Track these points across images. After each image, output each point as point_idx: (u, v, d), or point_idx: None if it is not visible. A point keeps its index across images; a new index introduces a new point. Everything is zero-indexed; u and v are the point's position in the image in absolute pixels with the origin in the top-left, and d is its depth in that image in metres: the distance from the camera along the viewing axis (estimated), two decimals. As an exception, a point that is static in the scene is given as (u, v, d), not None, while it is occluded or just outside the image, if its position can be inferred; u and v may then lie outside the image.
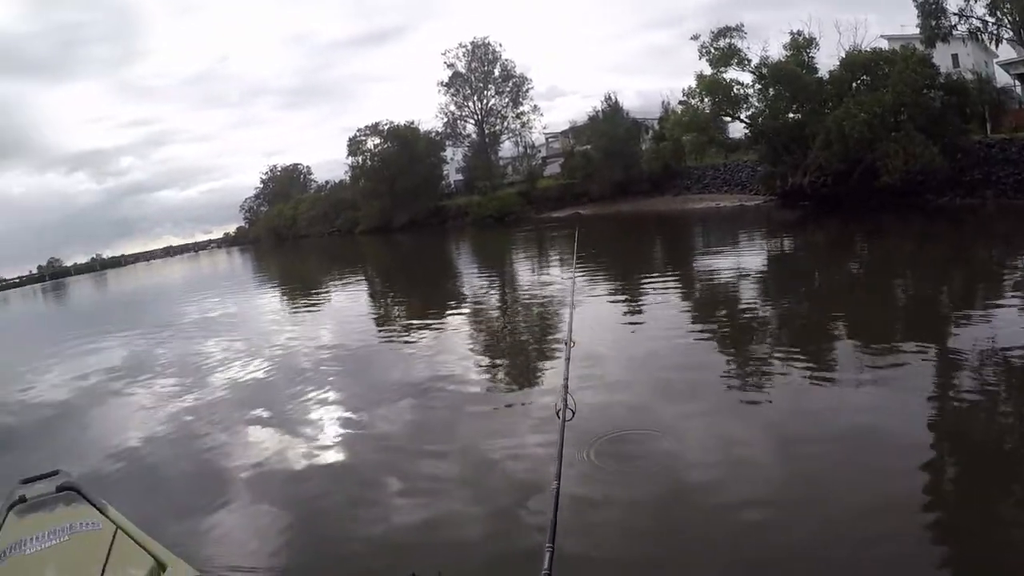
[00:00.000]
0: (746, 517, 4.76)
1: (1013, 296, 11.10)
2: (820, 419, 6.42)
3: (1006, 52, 37.47)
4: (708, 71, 33.07)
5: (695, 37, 33.42)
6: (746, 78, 32.78)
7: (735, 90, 32.57)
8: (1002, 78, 35.85)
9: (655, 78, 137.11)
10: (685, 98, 34.88)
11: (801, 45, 31.00)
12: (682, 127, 34.71)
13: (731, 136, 38.90)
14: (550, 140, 69.22)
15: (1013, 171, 27.23)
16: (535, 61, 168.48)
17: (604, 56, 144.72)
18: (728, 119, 34.30)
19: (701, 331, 10.65)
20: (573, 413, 3.43)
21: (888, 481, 4.99)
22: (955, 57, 33.01)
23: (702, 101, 33.66)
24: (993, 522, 4.49)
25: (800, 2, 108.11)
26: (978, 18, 29.79)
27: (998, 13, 29.20)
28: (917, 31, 31.28)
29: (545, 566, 2.29)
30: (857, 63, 29.50)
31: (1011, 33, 29.48)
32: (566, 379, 3.85)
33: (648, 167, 45.23)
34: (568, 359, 4.28)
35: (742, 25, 32.52)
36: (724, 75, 32.64)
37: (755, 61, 32.05)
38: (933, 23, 29.95)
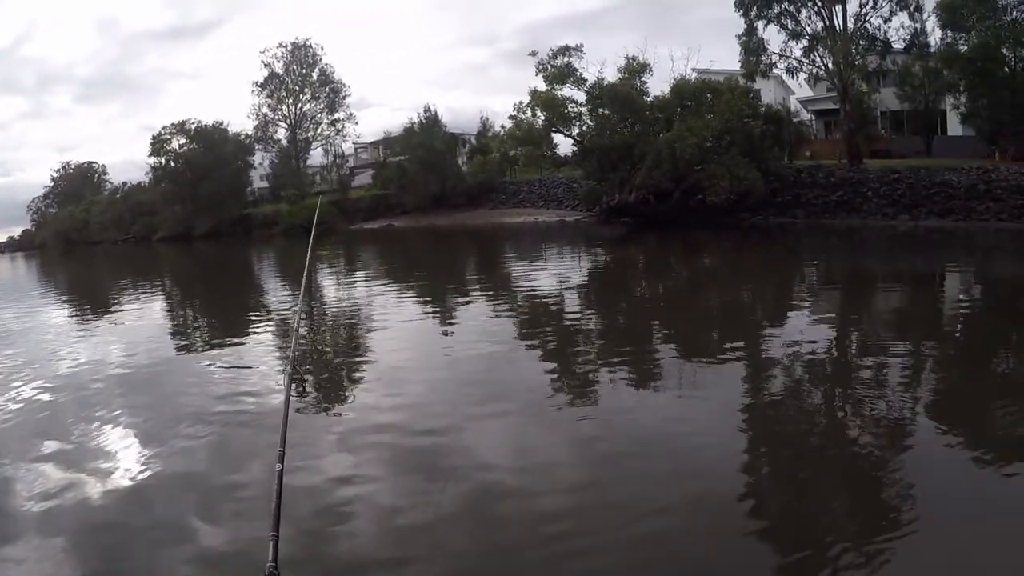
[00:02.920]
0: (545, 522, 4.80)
1: (810, 302, 13.30)
2: (628, 424, 6.69)
3: (802, 90, 41.32)
4: (543, 87, 33.32)
5: (533, 53, 33.76)
6: (579, 96, 33.30)
7: (569, 107, 32.95)
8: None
9: (465, 94, 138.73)
10: (515, 112, 34.90)
11: (635, 70, 31.98)
12: (515, 140, 34.68)
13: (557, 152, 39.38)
14: (359, 150, 67.59)
15: (820, 194, 29.81)
16: (344, 69, 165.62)
17: (415, 69, 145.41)
18: (560, 135, 34.58)
19: (519, 343, 10.73)
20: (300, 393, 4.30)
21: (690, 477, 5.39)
22: (758, 92, 35.33)
23: (535, 116, 33.75)
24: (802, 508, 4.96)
25: (611, 31, 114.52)
26: (796, 58, 32.83)
27: (813, 55, 32.25)
28: (720, 67, 34.43)
29: (270, 558, 2.16)
30: (686, 90, 30.99)
31: (824, 74, 32.33)
32: (293, 357, 4.45)
33: (473, 179, 44.60)
34: (295, 335, 5.44)
35: (581, 45, 33.16)
36: (559, 92, 32.93)
37: (590, 81, 32.62)
38: (753, 59, 32.56)
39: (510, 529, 4.79)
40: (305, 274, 7.90)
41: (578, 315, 13.09)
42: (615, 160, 32.09)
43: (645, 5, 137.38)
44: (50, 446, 7.18)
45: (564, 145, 37.52)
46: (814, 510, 4.89)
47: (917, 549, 4.16)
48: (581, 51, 33.12)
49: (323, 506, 5.14)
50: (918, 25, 31.08)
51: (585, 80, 32.74)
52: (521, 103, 34.21)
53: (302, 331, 12.76)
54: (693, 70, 34.00)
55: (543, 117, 33.32)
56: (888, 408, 6.66)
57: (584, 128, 33.36)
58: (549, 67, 33.04)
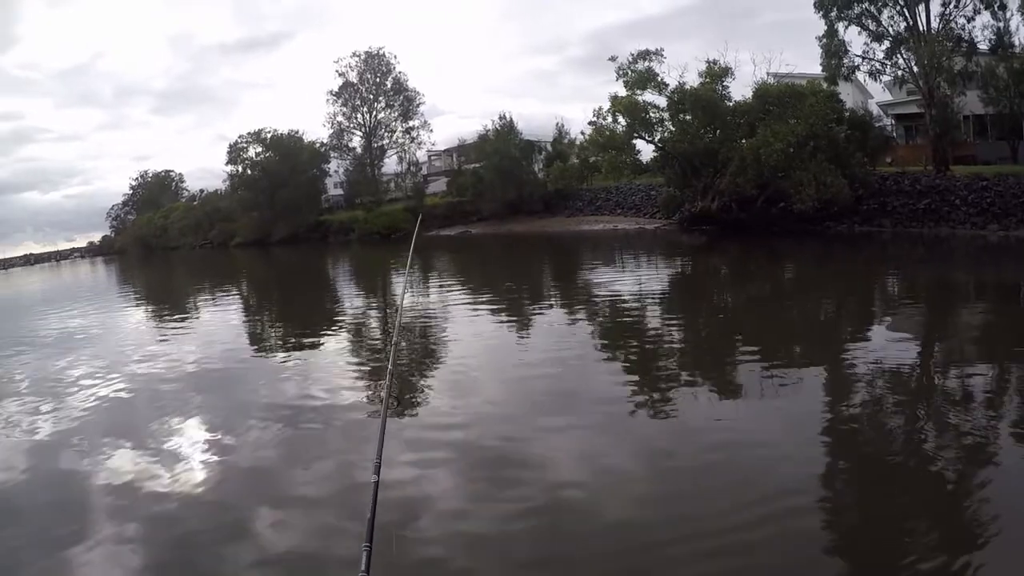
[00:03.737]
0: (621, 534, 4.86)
1: (895, 315, 12.97)
2: (701, 436, 6.74)
3: (881, 94, 40.49)
4: (623, 92, 33.32)
5: (613, 58, 33.60)
6: (659, 102, 33.20)
7: (651, 112, 32.87)
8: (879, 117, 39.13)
9: (533, 102, 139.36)
10: (595, 118, 34.82)
11: (716, 74, 31.75)
12: (597, 146, 34.52)
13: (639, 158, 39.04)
14: (432, 157, 68.12)
15: (907, 202, 29.28)
16: (412, 78, 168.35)
17: (482, 78, 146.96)
18: (643, 140, 34.45)
19: (595, 352, 10.91)
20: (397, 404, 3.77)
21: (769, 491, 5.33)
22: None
23: (615, 122, 33.75)
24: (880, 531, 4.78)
25: (677, 36, 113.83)
26: (878, 61, 32.18)
27: (895, 57, 31.69)
28: (798, 71, 33.65)
29: (363, 567, 2.20)
30: (770, 94, 30.58)
31: (908, 76, 31.58)
32: (391, 372, 4.32)
33: (553, 186, 44.71)
34: (392, 359, 4.89)
35: (661, 50, 32.99)
36: (640, 97, 32.94)
37: (672, 85, 32.48)
38: (834, 62, 31.96)
39: (577, 540, 4.84)
40: (404, 281, 7.84)
41: (657, 324, 13.04)
42: (697, 166, 32.09)
43: (711, 10, 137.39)
44: (126, 443, 7.60)
45: (644, 152, 37.43)
46: (891, 527, 4.80)
47: (998, 568, 4.12)
48: (662, 55, 33.01)
49: (393, 511, 5.17)
50: (1001, 24, 30.40)
51: (666, 85, 32.57)
52: (601, 109, 34.25)
53: (376, 334, 13.05)
54: (768, 73, 33.63)
55: (624, 122, 33.32)
56: (971, 425, 6.48)
57: (665, 134, 33.18)
58: (629, 72, 32.99)
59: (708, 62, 32.22)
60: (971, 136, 37.73)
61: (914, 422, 6.90)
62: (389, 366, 4.84)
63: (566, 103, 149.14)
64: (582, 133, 36.54)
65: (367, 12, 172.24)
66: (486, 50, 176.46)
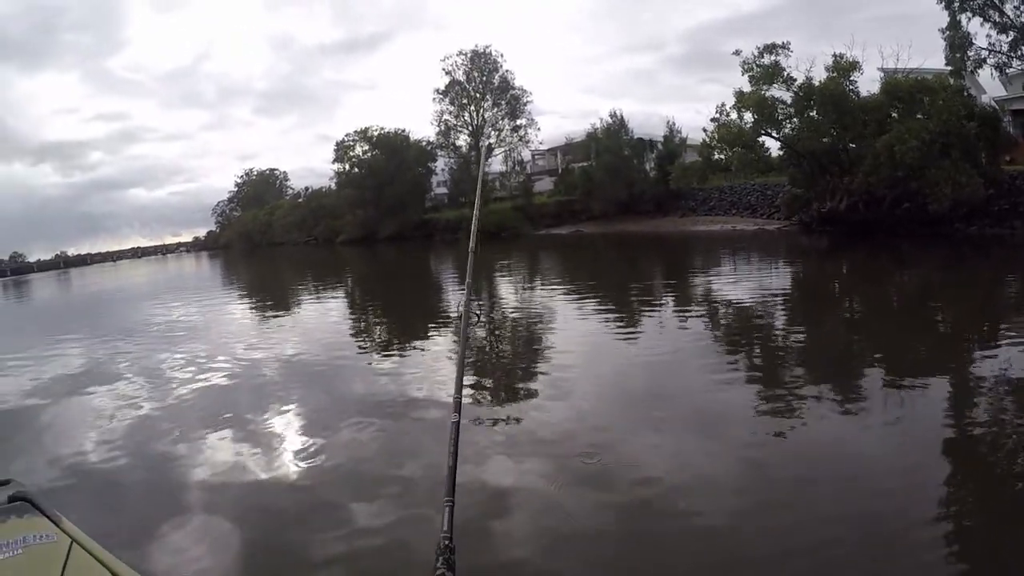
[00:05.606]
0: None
1: None
2: (804, 446, 6.59)
3: (993, 89, 38.96)
4: (748, 88, 33.16)
5: (737, 52, 33.41)
6: (786, 97, 32.90)
7: (778, 109, 32.55)
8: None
9: (631, 102, 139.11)
10: (718, 115, 34.67)
11: (844, 68, 31.27)
12: (726, 143, 34.15)
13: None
14: (536, 157, 68.61)
15: (1040, 203, 28.49)
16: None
17: (580, 78, 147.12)
18: (771, 137, 34.20)
19: (702, 355, 10.65)
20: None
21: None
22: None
23: (741, 118, 33.53)
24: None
25: (776, 33, 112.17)
26: (1005, 54, 31.16)
27: (1020, 49, 30.65)
28: (905, 65, 32.55)
29: (444, 527, 1.82)
30: (902, 88, 29.84)
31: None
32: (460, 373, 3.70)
33: (675, 184, 44.34)
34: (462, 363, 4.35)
35: (788, 43, 32.54)
36: (766, 92, 32.65)
37: (799, 80, 32.15)
38: (959, 55, 31.06)
39: (664, 546, 4.85)
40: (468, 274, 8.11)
41: (779, 330, 12.84)
42: (825, 164, 31.98)
43: (808, 6, 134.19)
44: (223, 432, 8.00)
45: (770, 150, 37.14)
46: (995, 554, 4.58)
47: None
48: (788, 49, 32.54)
49: (481, 508, 5.35)
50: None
51: (793, 79, 32.24)
52: (724, 105, 34.19)
53: (479, 332, 13.12)
54: (879, 69, 32.88)
55: (751, 119, 33.06)
56: None
57: (791, 130, 32.90)
58: (755, 66, 32.75)
59: (835, 56, 31.74)
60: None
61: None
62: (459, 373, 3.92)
63: (664, 102, 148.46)
64: (704, 130, 36.31)
65: (463, 12, 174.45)
66: (582, 49, 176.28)
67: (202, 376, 11.32)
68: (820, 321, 13.76)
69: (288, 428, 8.10)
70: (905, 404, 7.60)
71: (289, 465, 6.78)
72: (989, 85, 37.82)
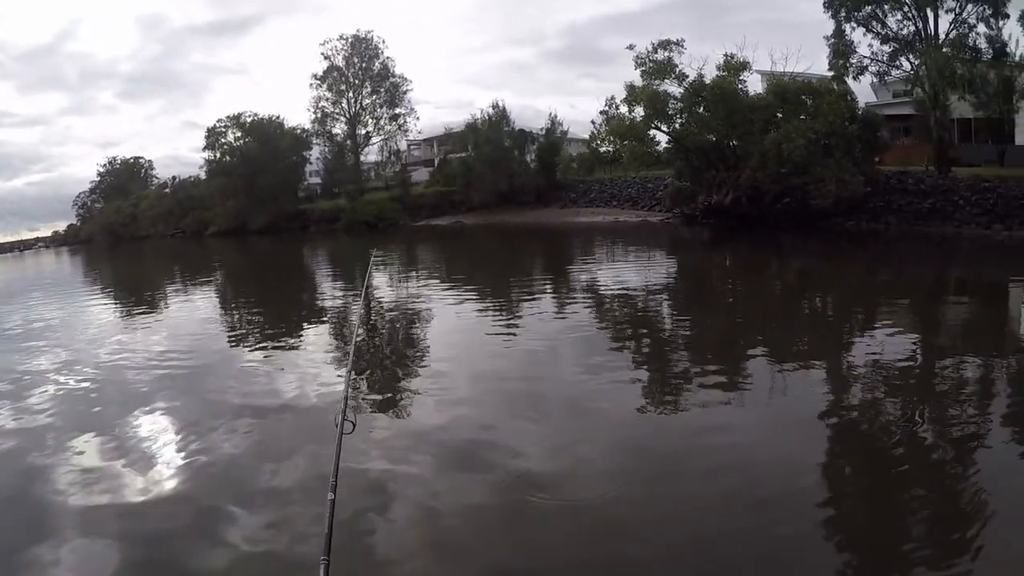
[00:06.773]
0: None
1: (901, 313, 12.93)
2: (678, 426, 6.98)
3: (864, 95, 40.94)
4: (639, 82, 33.34)
5: (631, 47, 33.44)
6: (676, 93, 33.30)
7: (669, 104, 32.96)
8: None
9: (509, 94, 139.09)
10: (607, 108, 35.03)
11: (735, 67, 32.13)
12: (618, 135, 34.43)
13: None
14: (411, 147, 67.39)
15: (912, 200, 30.34)
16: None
17: (457, 69, 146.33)
18: (660, 132, 34.53)
19: (579, 343, 10.78)
20: (354, 426, 3.33)
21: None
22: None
23: (631, 111, 33.85)
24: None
25: (656, 32, 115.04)
26: (885, 62, 32.99)
27: (899, 60, 32.66)
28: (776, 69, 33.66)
29: None
30: (789, 90, 31.01)
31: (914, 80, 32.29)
32: (346, 393, 3.90)
33: (562, 175, 44.41)
34: (349, 374, 4.73)
35: (682, 40, 33.00)
36: (658, 87, 32.95)
37: (691, 77, 32.63)
38: (842, 62, 32.69)
39: (544, 531, 4.92)
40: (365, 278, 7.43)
41: (662, 319, 13.13)
42: (712, 160, 32.44)
43: (689, 7, 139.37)
44: (88, 438, 7.44)
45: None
46: (880, 518, 4.97)
47: (990, 551, 4.36)
48: (682, 46, 32.95)
49: (362, 500, 5.35)
50: (993, 32, 31.46)
51: (685, 76, 32.68)
52: (614, 98, 34.51)
53: (359, 332, 12.54)
54: (757, 71, 34.03)
55: (643, 112, 33.26)
56: (964, 418, 6.79)
57: (680, 125, 33.39)
58: (648, 61, 32.91)
59: (726, 55, 32.60)
60: (956, 139, 38.65)
61: (903, 417, 7.05)
62: (346, 387, 4.27)
63: (541, 96, 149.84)
64: (592, 123, 36.45)
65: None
66: (462, 40, 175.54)
67: (63, 383, 10.25)
68: (702, 309, 14.15)
69: (160, 435, 7.51)
70: (787, 387, 8.05)
71: (163, 474, 6.37)
72: (860, 91, 39.84)
